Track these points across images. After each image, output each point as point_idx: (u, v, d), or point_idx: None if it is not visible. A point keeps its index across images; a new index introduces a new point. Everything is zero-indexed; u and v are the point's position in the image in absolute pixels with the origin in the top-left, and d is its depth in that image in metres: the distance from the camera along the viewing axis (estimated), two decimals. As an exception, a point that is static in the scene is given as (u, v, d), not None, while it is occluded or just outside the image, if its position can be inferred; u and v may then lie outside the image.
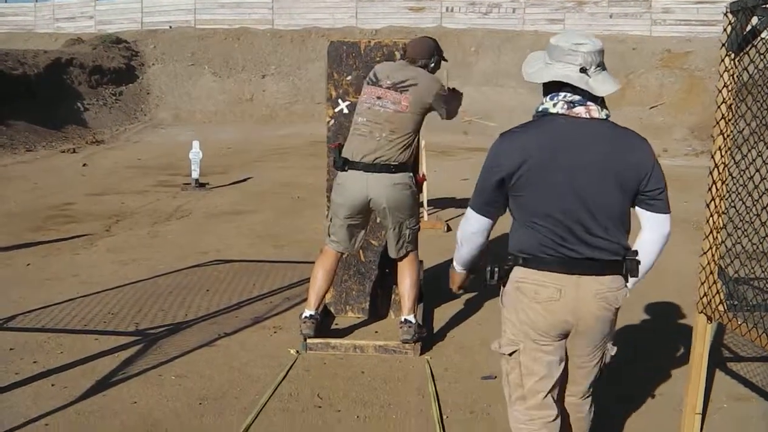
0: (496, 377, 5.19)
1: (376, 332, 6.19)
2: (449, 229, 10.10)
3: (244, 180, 14.65)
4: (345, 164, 5.42)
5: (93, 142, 22.17)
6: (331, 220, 5.66)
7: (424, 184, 10.09)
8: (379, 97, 5.42)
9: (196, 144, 13.80)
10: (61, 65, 26.59)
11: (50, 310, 6.60)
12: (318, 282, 5.63)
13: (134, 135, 24.42)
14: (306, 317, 5.57)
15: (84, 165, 17.33)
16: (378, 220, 5.95)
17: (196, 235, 9.85)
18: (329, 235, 5.66)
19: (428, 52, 5.63)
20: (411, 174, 5.55)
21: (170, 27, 33.13)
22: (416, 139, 5.57)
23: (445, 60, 5.92)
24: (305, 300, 5.87)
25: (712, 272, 4.05)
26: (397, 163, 5.39)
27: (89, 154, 19.73)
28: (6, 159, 18.28)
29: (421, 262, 6.43)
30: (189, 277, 7.68)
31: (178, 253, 8.69)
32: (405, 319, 5.62)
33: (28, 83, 24.17)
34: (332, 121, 6.29)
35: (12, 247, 8.95)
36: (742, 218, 3.97)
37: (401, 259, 5.72)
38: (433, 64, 5.67)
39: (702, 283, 4.07)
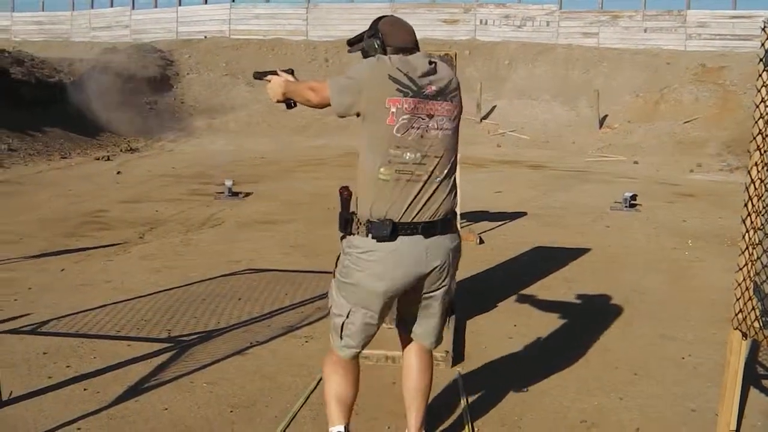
0: (528, 390, 5.17)
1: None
2: (482, 241, 10.09)
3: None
4: (392, 231, 3.57)
5: (127, 150, 22.36)
6: (348, 316, 3.76)
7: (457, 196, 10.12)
8: (430, 115, 3.63)
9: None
10: (97, 73, 26.81)
11: (83, 315, 6.64)
12: (342, 391, 3.90)
13: (168, 143, 24.58)
14: None
15: (118, 173, 17.45)
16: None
17: (229, 243, 9.89)
18: (341, 338, 3.82)
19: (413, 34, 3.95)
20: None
21: (205, 37, 33.43)
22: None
23: None
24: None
25: (747, 288, 4.01)
26: (453, 212, 3.82)
27: (123, 161, 19.88)
28: (41, 165, 18.46)
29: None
30: (221, 285, 7.70)
31: (211, 262, 8.73)
32: None
33: (64, 91, 24.41)
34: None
35: (47, 253, 9.02)
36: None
37: (433, 345, 4.13)
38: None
39: (737, 299, 4.03)
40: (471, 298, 7.18)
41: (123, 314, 6.70)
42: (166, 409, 4.79)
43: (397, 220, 3.56)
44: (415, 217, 3.60)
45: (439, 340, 4.10)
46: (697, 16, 30.28)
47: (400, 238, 3.59)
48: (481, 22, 32.34)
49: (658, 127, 24.99)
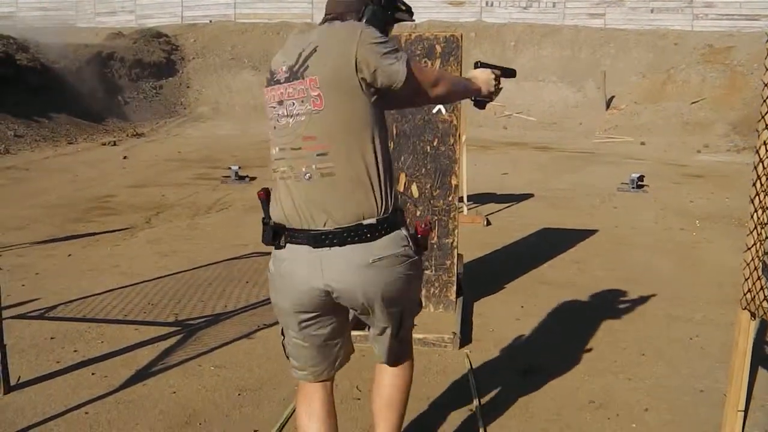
0: (536, 371, 5.17)
1: (415, 325, 6.18)
2: (489, 223, 10.09)
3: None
4: (276, 235, 3.06)
5: (133, 135, 22.39)
6: (283, 335, 3.33)
7: (463, 179, 10.07)
8: (280, 102, 3.03)
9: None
10: (102, 59, 26.82)
11: (91, 300, 6.65)
12: (304, 427, 3.33)
13: (174, 128, 24.59)
14: None
15: (124, 158, 17.48)
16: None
17: (236, 227, 9.89)
18: (288, 358, 3.38)
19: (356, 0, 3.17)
20: (401, 227, 3.07)
21: (210, 21, 33.35)
22: (383, 146, 3.02)
23: (404, 9, 3.40)
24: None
25: (756, 268, 3.99)
26: (370, 216, 2.95)
27: (130, 146, 19.91)
28: (47, 151, 18.49)
29: (461, 255, 6.41)
30: (228, 268, 7.71)
31: (218, 245, 8.73)
32: None
33: (70, 77, 24.41)
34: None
35: (54, 239, 9.03)
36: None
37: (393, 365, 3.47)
38: (369, 16, 3.17)
39: (746, 279, 4.01)
40: (478, 280, 7.18)
41: (130, 299, 6.71)
42: (174, 392, 4.80)
43: (288, 226, 3.03)
44: (302, 223, 2.98)
45: (392, 360, 3.41)
46: (704, -4, 30.14)
47: (289, 247, 3.04)
48: (486, 3, 32.20)
49: (665, 107, 24.88)
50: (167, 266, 7.82)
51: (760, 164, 3.92)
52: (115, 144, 20.23)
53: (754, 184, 3.94)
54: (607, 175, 14.92)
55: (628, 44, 28.88)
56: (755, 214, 3.96)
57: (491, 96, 3.64)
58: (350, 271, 2.97)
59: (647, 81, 26.94)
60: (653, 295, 6.92)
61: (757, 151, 3.95)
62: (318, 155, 2.93)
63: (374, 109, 2.98)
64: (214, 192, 12.71)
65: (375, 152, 2.96)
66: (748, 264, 3.99)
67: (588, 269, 7.86)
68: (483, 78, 3.57)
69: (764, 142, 3.91)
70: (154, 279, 7.33)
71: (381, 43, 2.92)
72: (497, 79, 3.61)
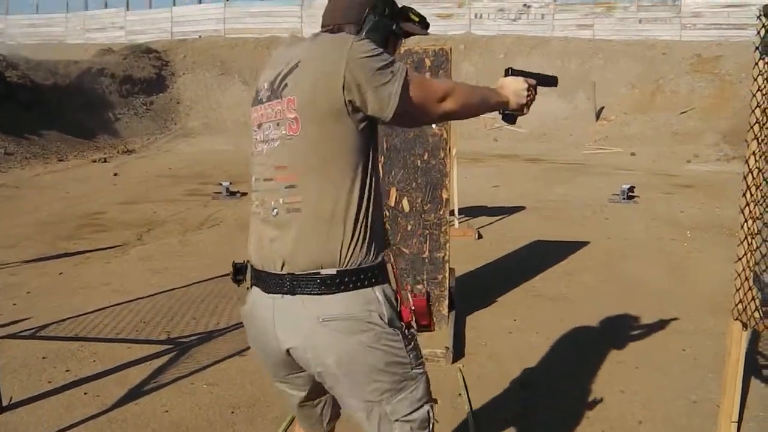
0: (530, 385, 5.16)
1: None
2: (480, 236, 10.09)
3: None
4: (239, 272, 2.75)
5: (124, 151, 22.40)
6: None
7: (454, 192, 10.06)
8: (259, 125, 2.62)
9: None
10: (92, 75, 26.83)
11: (83, 318, 6.63)
12: None
13: (165, 144, 24.59)
14: None
15: (115, 174, 17.47)
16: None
17: (228, 243, 9.87)
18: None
19: (352, 7, 2.77)
20: (374, 286, 2.49)
21: (200, 36, 33.47)
22: (368, 181, 2.50)
23: (417, 20, 3.01)
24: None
25: (747, 279, 4.00)
26: (330, 265, 2.43)
27: (120, 163, 19.90)
28: (38, 168, 18.47)
29: (452, 269, 6.40)
30: (220, 285, 7.68)
31: (210, 262, 8.71)
32: None
33: (60, 93, 24.40)
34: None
35: (45, 257, 9.01)
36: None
37: None
38: (369, 27, 2.73)
39: (737, 290, 4.02)
40: (470, 294, 7.18)
41: (122, 317, 6.69)
42: (167, 411, 4.78)
43: (253, 266, 2.66)
44: (263, 263, 2.57)
45: None
46: (691, 6, 30.28)
47: (254, 289, 2.66)
48: (475, 15, 32.35)
49: (655, 118, 24.96)
50: (159, 283, 7.80)
51: (750, 174, 3.93)
52: (105, 161, 20.22)
53: (744, 195, 3.96)
54: (598, 186, 14.94)
55: (616, 55, 28.99)
56: (745, 224, 3.98)
57: (523, 108, 3.01)
58: (297, 325, 2.47)
59: (636, 91, 27.03)
60: (646, 307, 6.93)
61: (747, 162, 3.97)
62: (286, 188, 2.47)
63: (361, 137, 2.47)
64: (206, 208, 12.70)
65: (355, 188, 2.44)
66: (739, 274, 4.00)
67: (580, 281, 7.87)
68: (513, 87, 2.96)
69: (753, 152, 3.93)
70: (146, 296, 7.31)
71: (374, 56, 2.44)
72: (532, 88, 3.02)
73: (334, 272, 2.41)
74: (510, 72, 3.08)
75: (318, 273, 2.41)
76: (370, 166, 2.51)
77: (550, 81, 3.25)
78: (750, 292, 3.98)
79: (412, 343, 2.60)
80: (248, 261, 2.69)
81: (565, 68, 28.86)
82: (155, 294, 7.40)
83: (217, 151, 22.76)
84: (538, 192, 14.42)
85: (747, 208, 3.99)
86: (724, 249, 8.76)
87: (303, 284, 2.42)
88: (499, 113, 3.02)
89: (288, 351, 2.52)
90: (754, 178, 3.96)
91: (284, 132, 2.48)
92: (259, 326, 2.62)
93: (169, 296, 7.34)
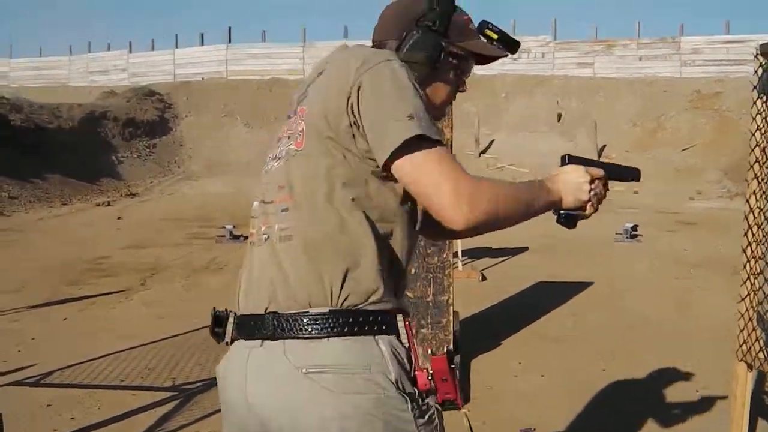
0: (535, 429, 5.14)
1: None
2: (484, 278, 10.08)
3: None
4: (217, 325, 2.18)
5: (127, 194, 22.46)
6: None
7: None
8: (279, 140, 2.20)
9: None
10: (95, 118, 26.96)
11: (87, 365, 6.61)
12: None
13: (168, 187, 24.64)
14: None
15: (119, 218, 17.52)
16: None
17: (232, 287, 9.82)
18: None
19: (399, 21, 2.22)
20: (377, 335, 1.94)
21: (202, 78, 33.62)
22: (376, 207, 2.02)
23: (496, 38, 2.28)
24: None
25: (750, 319, 4.00)
26: (322, 303, 1.93)
27: (124, 206, 19.95)
28: (42, 212, 18.52)
29: (456, 312, 6.40)
30: (224, 329, 7.67)
31: (215, 306, 8.69)
32: None
33: (63, 136, 24.52)
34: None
35: (49, 302, 9.01)
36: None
37: None
38: (409, 45, 2.16)
39: (741, 330, 4.02)
40: (475, 336, 7.17)
41: (127, 363, 6.68)
42: (173, 459, 4.78)
43: (240, 312, 2.14)
44: (248, 305, 2.09)
45: None
46: (691, 43, 30.46)
47: (235, 343, 2.12)
48: (477, 55, 32.52)
49: (657, 155, 25.00)
50: (164, 328, 7.79)
51: (751, 214, 3.95)
52: (109, 204, 20.28)
53: (746, 234, 3.97)
54: (602, 225, 14.89)
55: (617, 92, 29.10)
56: (748, 264, 3.98)
57: (585, 207, 2.26)
58: (274, 380, 1.93)
59: (638, 129, 27.11)
60: (651, 346, 6.92)
61: (747, 201, 3.98)
62: (282, 210, 2.03)
63: (366, 168, 2.00)
64: (209, 252, 12.72)
65: (360, 213, 1.97)
66: (742, 315, 4.00)
67: (585, 322, 7.86)
68: (572, 181, 2.24)
69: (754, 191, 3.94)
70: (150, 342, 7.29)
71: (393, 80, 1.94)
72: (601, 181, 2.28)
73: (326, 311, 1.90)
74: (567, 160, 2.34)
75: (306, 312, 1.91)
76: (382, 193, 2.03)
77: (626, 174, 2.53)
78: (754, 332, 3.98)
79: (427, 417, 2.00)
80: (230, 310, 2.17)
81: (566, 106, 28.97)
82: (160, 340, 7.39)
83: (220, 193, 22.80)
84: (541, 232, 14.41)
85: (749, 247, 4.00)
86: (729, 287, 8.75)
87: (287, 326, 1.91)
88: (553, 214, 2.32)
89: (258, 416, 1.95)
90: (755, 218, 3.97)
91: (292, 146, 2.08)
92: (230, 385, 2.08)
93: (174, 342, 7.32)
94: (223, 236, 13.82)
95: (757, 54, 3.87)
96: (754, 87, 3.89)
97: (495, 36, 2.27)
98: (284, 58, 33.87)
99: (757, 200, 3.96)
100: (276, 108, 29.86)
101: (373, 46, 2.23)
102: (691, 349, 6.83)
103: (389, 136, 1.88)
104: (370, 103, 1.92)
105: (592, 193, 2.23)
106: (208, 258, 12.10)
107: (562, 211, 2.26)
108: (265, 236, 2.05)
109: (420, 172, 1.90)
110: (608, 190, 2.32)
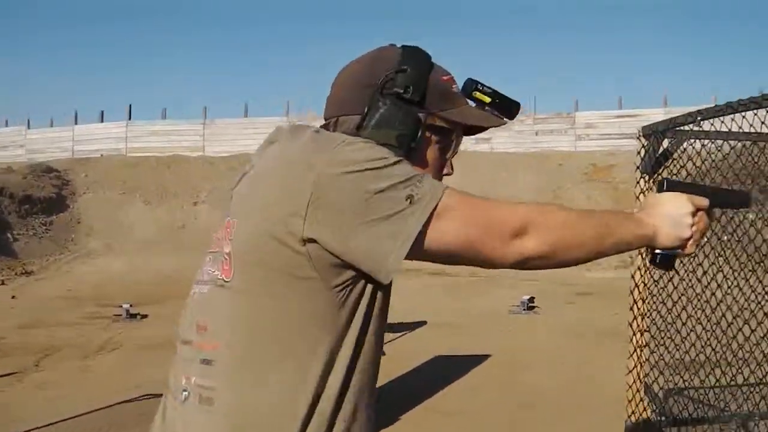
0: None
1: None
2: (383, 353, 10.06)
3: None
4: None
5: (22, 273, 21.91)
6: None
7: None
8: (210, 251, 1.74)
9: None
10: (-9, 195, 26.47)
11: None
12: None
13: (64, 265, 24.15)
14: None
15: (13, 297, 17.08)
16: None
17: (128, 368, 9.70)
18: None
19: (359, 90, 1.72)
20: None
21: (101, 155, 33.20)
22: (341, 376, 1.71)
23: (488, 101, 1.91)
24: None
25: (638, 390, 4.10)
26: None
27: (19, 285, 19.48)
28: (-68, 294, 17.98)
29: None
30: (121, 413, 7.52)
31: (110, 388, 8.53)
32: None
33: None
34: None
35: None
36: (663, 334, 4.05)
37: None
38: (377, 119, 1.68)
39: (629, 401, 4.11)
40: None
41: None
42: None
43: None
44: None
45: None
46: (585, 117, 31.26)
47: None
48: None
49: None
50: (59, 411, 7.59)
51: (636, 289, 4.07)
52: (3, 283, 19.77)
53: (631, 308, 4.09)
54: (499, 297, 15.12)
55: (515, 167, 29.63)
56: (634, 337, 4.09)
57: (686, 245, 1.79)
58: None
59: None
60: (549, 419, 6.99)
61: (632, 276, 4.11)
62: (202, 361, 1.61)
63: (333, 301, 1.58)
64: (106, 331, 12.48)
65: (306, 381, 1.58)
66: (630, 386, 4.10)
67: (482, 395, 7.91)
68: (669, 212, 1.76)
69: (638, 267, 4.07)
70: (43, 426, 7.10)
71: (370, 170, 1.49)
72: (704, 211, 1.80)
73: None
74: (665, 185, 1.85)
75: None
76: (345, 348, 1.67)
77: (734, 199, 2.04)
78: (642, 403, 4.08)
79: None
80: None
81: (464, 184, 29.36)
82: (53, 423, 7.20)
83: (117, 271, 22.43)
84: (440, 306, 14.52)
85: (635, 321, 4.11)
86: (623, 356, 8.92)
87: None
88: (647, 254, 2.01)
89: None
90: (640, 292, 4.10)
91: (217, 273, 1.64)
92: None
93: (67, 427, 7.14)
94: (120, 315, 13.59)
95: (639, 136, 4.03)
96: (637, 167, 4.04)
97: (487, 99, 1.88)
98: (184, 135, 33.69)
99: (641, 275, 4.09)
100: (176, 185, 29.70)
101: (325, 126, 1.77)
102: (589, 420, 6.92)
103: (399, 241, 1.50)
104: (342, 207, 1.49)
105: (694, 228, 1.76)
106: (105, 337, 11.88)
107: (657, 251, 1.82)
108: (183, 393, 1.63)
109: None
110: (713, 220, 1.94)
